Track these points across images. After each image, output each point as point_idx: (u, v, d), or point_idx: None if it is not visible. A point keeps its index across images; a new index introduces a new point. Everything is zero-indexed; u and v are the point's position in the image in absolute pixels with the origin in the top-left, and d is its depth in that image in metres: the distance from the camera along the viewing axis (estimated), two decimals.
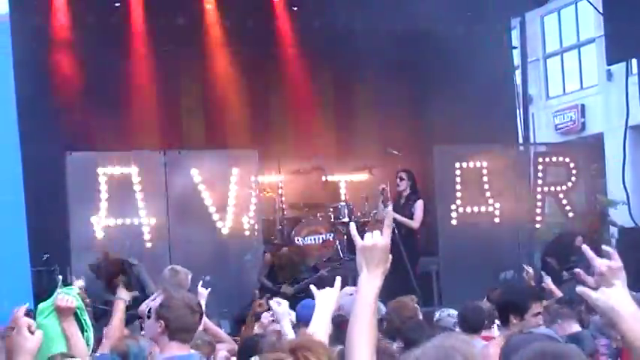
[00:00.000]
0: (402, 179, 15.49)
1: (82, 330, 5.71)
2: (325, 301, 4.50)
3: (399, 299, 8.50)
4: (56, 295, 5.70)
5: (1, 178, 11.24)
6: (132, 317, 12.19)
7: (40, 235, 12.67)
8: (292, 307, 10.88)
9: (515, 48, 20.13)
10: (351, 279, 15.38)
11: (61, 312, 5.61)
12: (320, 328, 4.37)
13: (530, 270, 10.75)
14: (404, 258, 14.20)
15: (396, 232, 13.38)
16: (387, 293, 6.82)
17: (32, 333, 5.44)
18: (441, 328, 8.45)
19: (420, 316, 8.43)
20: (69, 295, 5.70)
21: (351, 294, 5.74)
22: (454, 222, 16.23)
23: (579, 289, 3.26)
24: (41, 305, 5.77)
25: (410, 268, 14.62)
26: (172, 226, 14.96)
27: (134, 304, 10.00)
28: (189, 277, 7.79)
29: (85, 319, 5.77)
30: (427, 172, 16.33)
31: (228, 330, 11.42)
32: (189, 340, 5.07)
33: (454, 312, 8.79)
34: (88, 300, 7.07)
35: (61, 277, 7.16)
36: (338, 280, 4.53)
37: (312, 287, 4.68)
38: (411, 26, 17.77)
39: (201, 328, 5.45)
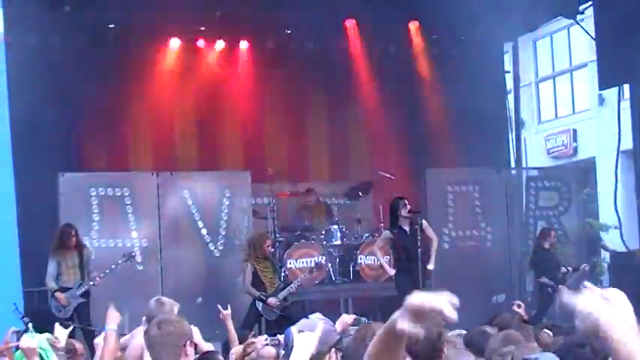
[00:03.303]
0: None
1: None
2: (304, 344, 4.47)
3: None
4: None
5: None
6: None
7: (32, 255, 12.65)
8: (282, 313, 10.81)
9: (507, 72, 20.20)
10: (342, 301, 15.43)
11: (25, 353, 5.94)
12: None
13: (521, 309, 10.15)
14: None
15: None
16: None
17: None
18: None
19: None
20: (31, 338, 6.06)
21: (307, 317, 5.75)
22: (446, 245, 16.22)
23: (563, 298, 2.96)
24: (17, 353, 6.25)
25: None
26: (164, 247, 14.96)
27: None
28: (176, 308, 7.71)
29: None
30: (419, 196, 16.33)
31: (220, 353, 11.37)
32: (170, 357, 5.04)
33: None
34: (60, 345, 7.10)
35: (30, 324, 7.26)
36: (320, 324, 4.50)
37: (294, 330, 4.65)
38: (405, 50, 17.85)
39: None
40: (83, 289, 13.02)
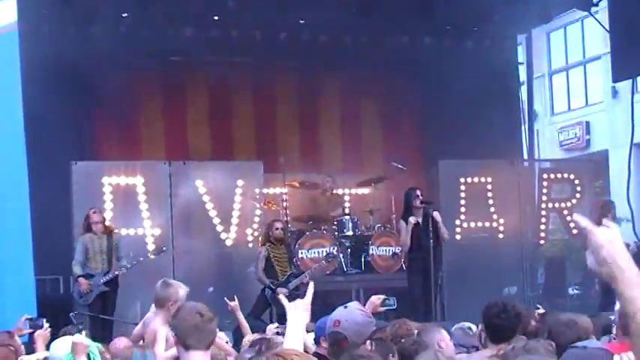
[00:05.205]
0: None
1: None
2: (296, 312, 4.47)
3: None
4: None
5: (7, 186, 11.24)
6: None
7: (44, 243, 12.68)
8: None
9: (521, 64, 20.16)
10: (354, 292, 15.44)
11: (74, 348, 6.14)
12: (295, 340, 4.36)
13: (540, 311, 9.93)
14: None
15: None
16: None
17: None
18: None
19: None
20: (83, 337, 6.34)
21: (345, 306, 5.74)
22: (458, 236, 16.20)
23: (576, 216, 2.85)
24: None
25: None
26: (176, 236, 14.98)
27: None
28: (182, 291, 7.71)
29: None
30: (432, 187, 16.32)
31: (232, 342, 11.39)
32: (205, 347, 5.05)
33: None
34: (108, 356, 7.15)
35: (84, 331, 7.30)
36: (310, 286, 4.50)
37: (282, 298, 4.65)
38: (418, 41, 17.82)
39: None
40: (107, 278, 12.96)
